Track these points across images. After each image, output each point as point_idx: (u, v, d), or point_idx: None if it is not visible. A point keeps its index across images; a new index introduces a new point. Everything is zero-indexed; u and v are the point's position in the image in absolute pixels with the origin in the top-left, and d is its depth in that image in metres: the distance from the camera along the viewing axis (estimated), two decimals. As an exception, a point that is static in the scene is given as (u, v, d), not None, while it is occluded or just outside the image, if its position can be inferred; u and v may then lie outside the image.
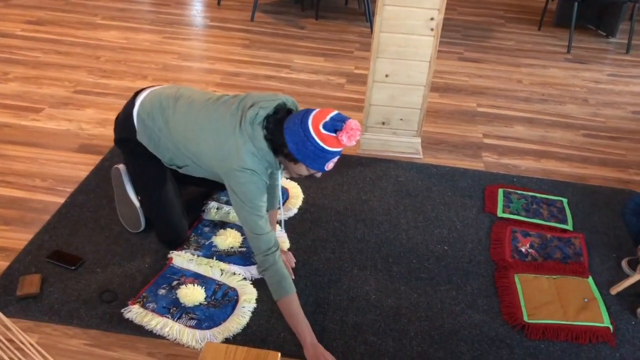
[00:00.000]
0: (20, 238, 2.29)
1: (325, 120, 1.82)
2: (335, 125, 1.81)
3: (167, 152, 2.14)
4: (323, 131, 1.81)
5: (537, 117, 3.50)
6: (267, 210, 2.14)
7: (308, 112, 1.86)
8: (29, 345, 1.75)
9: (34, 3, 4.62)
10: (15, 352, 1.73)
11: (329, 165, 1.90)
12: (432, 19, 2.64)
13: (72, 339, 1.91)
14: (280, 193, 2.30)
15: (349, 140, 1.81)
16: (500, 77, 3.99)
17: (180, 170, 2.20)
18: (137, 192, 2.30)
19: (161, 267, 2.19)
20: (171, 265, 2.19)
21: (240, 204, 1.92)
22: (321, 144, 1.82)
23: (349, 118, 1.83)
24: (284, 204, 2.56)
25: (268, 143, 1.91)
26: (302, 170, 1.94)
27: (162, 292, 2.07)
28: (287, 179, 2.68)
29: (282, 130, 1.88)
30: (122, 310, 2.00)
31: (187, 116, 2.07)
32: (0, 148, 2.84)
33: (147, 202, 2.28)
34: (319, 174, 1.97)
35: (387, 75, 2.81)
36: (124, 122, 2.20)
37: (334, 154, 1.86)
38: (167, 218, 2.25)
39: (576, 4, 4.37)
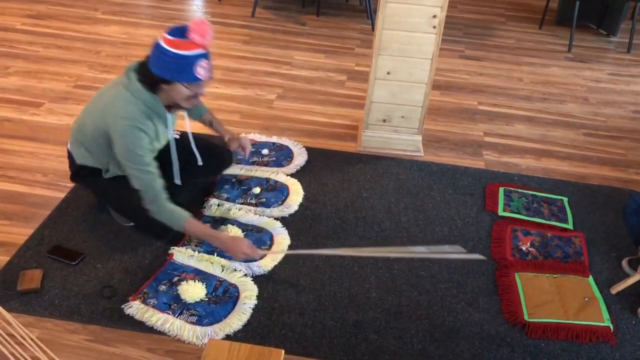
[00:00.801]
0: (20, 233, 2.29)
1: (170, 30, 1.89)
2: (181, 29, 1.87)
3: (99, 158, 2.19)
4: (172, 38, 1.87)
5: (537, 116, 3.50)
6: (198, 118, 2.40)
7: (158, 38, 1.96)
8: (29, 341, 1.75)
9: (34, -3, 4.61)
10: (16, 347, 1.73)
11: (199, 72, 1.92)
12: (434, 16, 2.63)
13: (73, 334, 1.91)
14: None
15: (201, 36, 1.86)
16: (501, 76, 3.99)
17: (110, 172, 2.22)
18: (112, 207, 2.35)
19: (162, 263, 2.19)
20: (172, 261, 2.19)
21: (122, 160, 2.04)
22: (176, 51, 1.87)
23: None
24: (284, 201, 2.56)
25: (143, 84, 1.99)
26: (183, 90, 1.98)
27: (162, 288, 2.07)
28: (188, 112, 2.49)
29: (147, 66, 1.96)
30: (122, 306, 2.00)
31: (86, 108, 2.21)
32: (1, 142, 2.83)
33: (120, 210, 2.32)
34: (201, 90, 2.01)
35: (388, 73, 2.80)
36: (69, 158, 2.31)
37: (194, 57, 1.89)
38: (142, 214, 2.14)
39: (578, 2, 4.37)
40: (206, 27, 1.87)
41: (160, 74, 1.93)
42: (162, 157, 2.21)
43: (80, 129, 2.19)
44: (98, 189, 2.31)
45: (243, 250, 2.07)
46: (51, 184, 2.54)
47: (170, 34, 1.89)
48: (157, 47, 1.91)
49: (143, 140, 2.01)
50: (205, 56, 1.93)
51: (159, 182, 2.06)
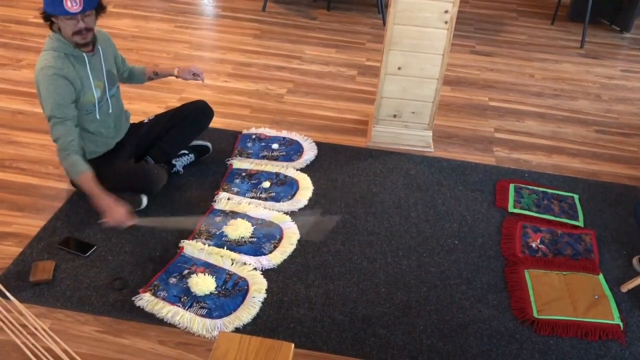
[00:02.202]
0: (32, 224, 2.31)
1: None
2: None
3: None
4: None
5: (548, 112, 3.48)
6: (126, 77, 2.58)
7: None
8: (42, 331, 1.77)
9: (46, -10, 4.62)
10: (29, 337, 1.75)
11: (67, 5, 2.06)
12: (446, 11, 2.62)
13: (84, 325, 1.93)
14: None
15: None
16: (512, 72, 3.97)
17: (87, 150, 2.36)
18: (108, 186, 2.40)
19: (172, 256, 2.20)
20: (182, 254, 2.20)
21: (46, 112, 2.19)
22: None
23: None
24: (293, 195, 2.56)
25: (45, 22, 2.17)
26: (63, 25, 2.12)
27: (173, 280, 2.08)
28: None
29: None
30: (133, 298, 2.01)
31: None
32: (14, 135, 2.86)
33: (115, 184, 2.37)
34: (81, 24, 2.12)
35: (399, 68, 2.79)
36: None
37: None
38: (127, 173, 2.39)
39: (591, -2, 4.33)
40: None
41: (45, 9, 2.11)
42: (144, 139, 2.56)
43: None
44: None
45: (116, 217, 2.17)
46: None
47: None
48: None
49: (63, 87, 2.16)
50: None
51: (72, 135, 2.19)
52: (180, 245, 2.24)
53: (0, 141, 2.82)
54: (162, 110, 2.94)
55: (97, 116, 2.33)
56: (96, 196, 2.19)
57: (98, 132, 2.36)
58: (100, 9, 2.20)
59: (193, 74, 2.60)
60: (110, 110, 2.39)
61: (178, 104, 2.81)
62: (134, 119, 2.64)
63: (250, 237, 2.31)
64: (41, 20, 2.17)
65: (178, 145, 2.62)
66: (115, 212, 2.17)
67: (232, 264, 2.18)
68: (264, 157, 2.81)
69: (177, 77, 2.62)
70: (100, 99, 2.33)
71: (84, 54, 2.23)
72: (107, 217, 2.18)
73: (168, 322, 1.95)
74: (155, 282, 2.07)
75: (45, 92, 2.16)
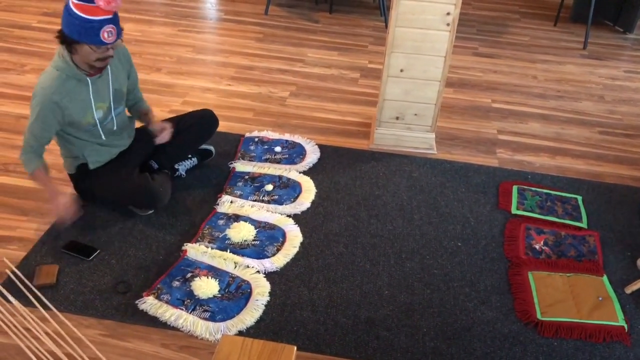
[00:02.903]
0: (36, 228, 2.32)
1: None
2: None
3: (71, 150, 2.35)
4: (80, 2, 1.99)
5: (552, 114, 3.48)
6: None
7: None
8: (45, 335, 1.78)
9: (50, -5, 4.64)
10: (33, 340, 1.76)
11: (104, 36, 2.02)
12: (448, 13, 2.62)
13: (88, 328, 1.93)
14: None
15: (107, 3, 1.96)
16: (515, 73, 3.96)
17: (89, 159, 2.36)
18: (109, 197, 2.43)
19: (175, 259, 2.21)
20: (185, 257, 2.21)
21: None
22: (81, 14, 1.98)
23: None
24: (296, 198, 2.57)
25: (61, 45, 2.10)
26: (88, 51, 2.07)
27: (176, 284, 2.09)
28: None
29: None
30: (136, 302, 2.02)
31: None
32: (18, 139, 2.86)
33: (118, 194, 2.39)
34: (110, 52, 2.10)
35: (401, 70, 2.80)
36: (71, 181, 2.46)
37: (100, 22, 1.99)
38: (132, 187, 2.35)
39: (593, -1, 4.32)
40: None
41: (69, 34, 2.03)
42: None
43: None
44: (96, 188, 2.39)
45: (59, 207, 2.18)
46: (66, 180, 2.57)
47: None
48: (67, 8, 2.02)
49: (49, 116, 2.14)
50: (111, 21, 2.02)
51: (38, 143, 2.20)
52: (183, 248, 2.25)
53: (4, 145, 2.83)
54: (165, 114, 2.95)
55: (101, 134, 2.32)
56: (47, 188, 2.22)
57: (101, 143, 2.36)
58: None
59: (160, 130, 2.46)
60: (115, 128, 2.37)
61: (181, 107, 2.82)
62: (136, 123, 2.65)
63: (253, 240, 2.31)
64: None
65: (182, 152, 2.62)
66: (55, 204, 2.18)
67: (235, 267, 2.18)
68: (266, 160, 2.81)
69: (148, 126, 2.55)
70: (104, 118, 2.30)
71: (87, 78, 2.18)
72: (52, 209, 2.19)
73: (171, 325, 1.95)
74: (158, 286, 2.08)
75: (33, 110, 2.14)
